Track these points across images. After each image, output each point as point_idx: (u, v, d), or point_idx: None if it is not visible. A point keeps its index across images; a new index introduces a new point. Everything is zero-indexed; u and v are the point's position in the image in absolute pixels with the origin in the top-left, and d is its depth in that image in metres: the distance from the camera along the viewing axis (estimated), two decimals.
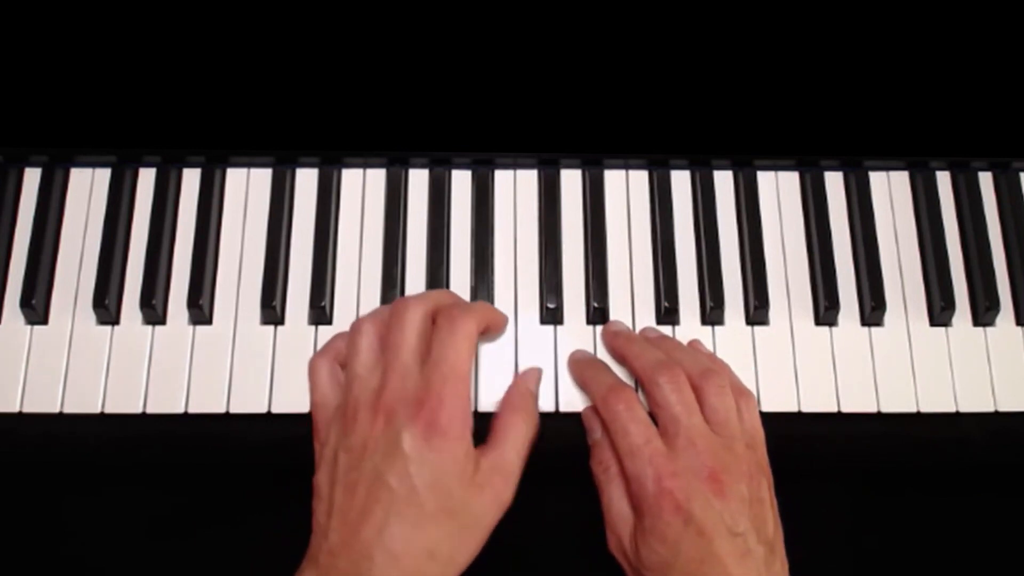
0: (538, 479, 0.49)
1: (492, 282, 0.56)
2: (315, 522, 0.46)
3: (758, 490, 0.46)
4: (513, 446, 0.47)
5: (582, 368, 0.53)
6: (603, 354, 0.54)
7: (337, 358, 0.50)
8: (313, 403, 0.49)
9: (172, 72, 0.57)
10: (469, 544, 0.45)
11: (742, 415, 0.48)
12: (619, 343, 0.52)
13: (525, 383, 0.51)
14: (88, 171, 0.57)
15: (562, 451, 0.51)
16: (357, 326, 0.49)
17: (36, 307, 0.54)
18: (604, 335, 0.54)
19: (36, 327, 0.54)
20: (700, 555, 0.44)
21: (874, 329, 0.55)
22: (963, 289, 0.56)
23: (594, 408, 0.51)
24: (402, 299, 0.49)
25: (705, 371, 0.49)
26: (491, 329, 0.52)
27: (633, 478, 0.46)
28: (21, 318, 0.54)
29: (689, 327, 0.55)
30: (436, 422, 0.44)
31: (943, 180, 0.59)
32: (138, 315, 0.54)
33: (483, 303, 0.53)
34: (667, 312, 0.55)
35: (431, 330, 0.48)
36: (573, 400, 0.53)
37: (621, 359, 0.52)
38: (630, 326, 0.55)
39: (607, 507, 0.48)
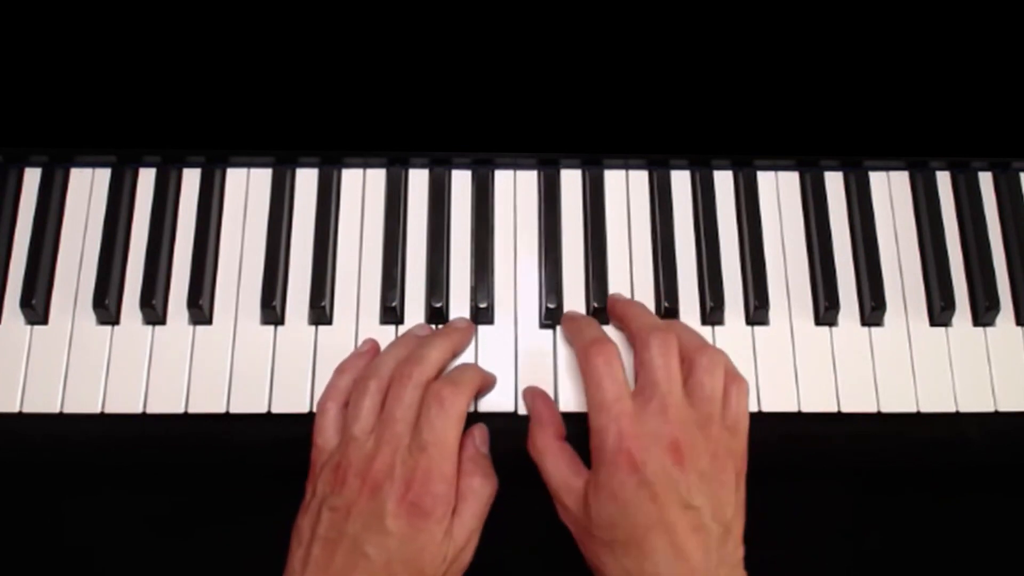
0: (537, 480, 0.49)
1: (492, 282, 0.56)
2: (290, 564, 0.46)
3: (721, 471, 0.46)
4: (472, 511, 0.48)
5: (572, 321, 0.53)
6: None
7: (345, 399, 0.50)
8: (314, 444, 0.49)
9: (172, 72, 0.57)
10: None
11: (729, 399, 0.48)
12: (620, 305, 0.53)
13: (473, 446, 0.50)
14: (88, 171, 0.57)
15: None
16: (363, 385, 0.49)
17: (36, 307, 0.54)
18: (607, 300, 0.54)
19: (36, 327, 0.54)
20: (649, 521, 0.44)
21: (874, 329, 0.55)
22: (963, 289, 0.56)
23: (533, 388, 0.52)
24: (408, 364, 0.49)
25: (701, 347, 0.49)
26: (482, 390, 0.52)
27: (596, 431, 0.46)
28: (21, 318, 0.54)
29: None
30: (421, 504, 0.45)
31: (943, 180, 0.59)
32: (138, 315, 0.54)
33: (475, 372, 0.51)
34: (667, 312, 0.55)
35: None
36: (572, 400, 0.53)
37: (621, 318, 0.52)
38: None
39: (548, 482, 0.48)
